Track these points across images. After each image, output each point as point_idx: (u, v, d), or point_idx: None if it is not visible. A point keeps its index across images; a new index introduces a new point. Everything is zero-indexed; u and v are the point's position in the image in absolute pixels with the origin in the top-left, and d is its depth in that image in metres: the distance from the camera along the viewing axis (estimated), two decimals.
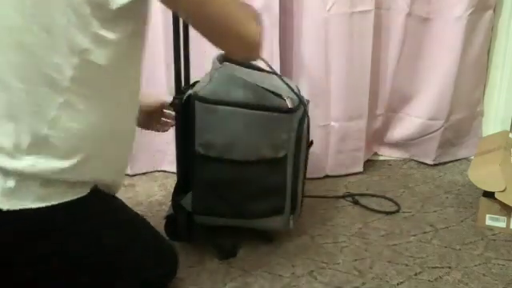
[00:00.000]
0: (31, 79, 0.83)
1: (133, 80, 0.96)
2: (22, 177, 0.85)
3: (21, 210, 0.85)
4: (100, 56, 0.84)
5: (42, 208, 0.86)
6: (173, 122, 1.33)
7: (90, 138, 0.89)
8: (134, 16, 0.88)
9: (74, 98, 0.85)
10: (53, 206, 0.87)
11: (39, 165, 0.85)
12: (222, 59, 1.25)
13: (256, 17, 0.96)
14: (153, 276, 1.03)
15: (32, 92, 0.83)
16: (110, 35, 0.84)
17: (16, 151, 0.85)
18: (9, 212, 0.84)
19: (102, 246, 0.94)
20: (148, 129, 1.35)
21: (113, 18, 0.83)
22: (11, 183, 0.84)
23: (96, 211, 0.94)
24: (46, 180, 0.86)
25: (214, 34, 0.93)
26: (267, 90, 1.18)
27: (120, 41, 0.86)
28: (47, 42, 0.81)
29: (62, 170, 0.86)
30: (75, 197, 0.89)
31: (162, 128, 1.37)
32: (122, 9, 0.82)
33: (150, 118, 1.31)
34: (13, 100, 0.84)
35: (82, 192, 0.91)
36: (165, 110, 1.33)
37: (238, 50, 0.97)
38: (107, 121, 0.91)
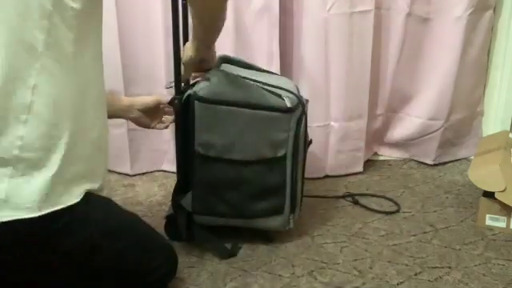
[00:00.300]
0: (10, 45, 0.84)
1: (95, 46, 0.97)
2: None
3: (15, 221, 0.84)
4: (65, 20, 0.86)
5: (35, 218, 0.85)
6: (171, 119, 1.33)
7: (70, 107, 0.89)
8: None
9: (48, 63, 0.86)
10: (48, 215, 0.86)
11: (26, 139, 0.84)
12: (220, 62, 1.25)
13: None
14: (152, 276, 1.03)
15: (12, 58, 0.84)
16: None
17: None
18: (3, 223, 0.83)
19: (100, 252, 0.94)
20: (147, 127, 1.37)
21: None
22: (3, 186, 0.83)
23: (92, 218, 0.93)
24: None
25: None
26: (266, 89, 1.18)
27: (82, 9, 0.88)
28: (21, 8, 0.83)
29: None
30: (70, 203, 0.88)
31: (161, 126, 1.38)
32: None
33: (148, 116, 1.34)
34: None
35: (76, 197, 0.90)
36: (162, 106, 1.35)
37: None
38: (80, 86, 0.91)
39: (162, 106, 1.35)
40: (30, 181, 0.84)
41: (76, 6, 0.86)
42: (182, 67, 1.23)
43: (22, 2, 0.84)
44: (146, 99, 1.35)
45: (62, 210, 0.87)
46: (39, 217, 0.84)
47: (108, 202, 1.00)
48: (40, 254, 0.89)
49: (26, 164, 0.84)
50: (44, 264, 0.91)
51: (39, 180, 0.85)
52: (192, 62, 1.22)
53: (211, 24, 1.14)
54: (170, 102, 1.25)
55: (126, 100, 1.37)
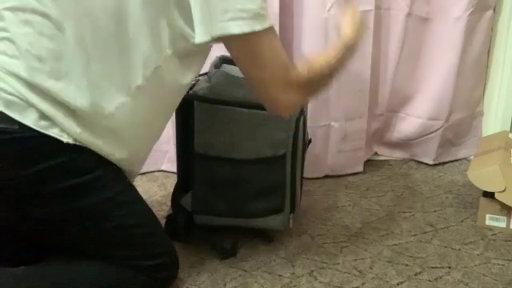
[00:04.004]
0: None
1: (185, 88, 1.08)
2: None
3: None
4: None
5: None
6: None
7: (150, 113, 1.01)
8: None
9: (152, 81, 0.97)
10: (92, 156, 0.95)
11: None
12: (220, 63, 1.25)
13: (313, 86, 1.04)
14: (154, 261, 1.04)
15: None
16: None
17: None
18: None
19: (110, 219, 0.99)
20: None
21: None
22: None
23: (112, 185, 1.00)
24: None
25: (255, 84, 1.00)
26: None
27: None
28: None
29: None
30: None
31: None
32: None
33: None
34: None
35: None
36: None
37: (271, 106, 1.03)
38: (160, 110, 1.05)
39: None
40: None
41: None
42: None
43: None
44: None
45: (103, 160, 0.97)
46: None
47: (126, 178, 1.06)
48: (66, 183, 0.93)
49: None
50: (58, 215, 0.95)
51: None
52: None
53: None
54: None
55: None
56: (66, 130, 0.91)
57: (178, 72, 0.99)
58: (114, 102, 0.94)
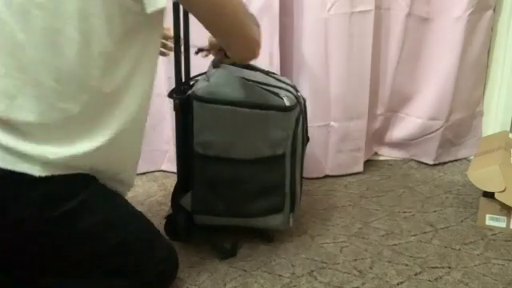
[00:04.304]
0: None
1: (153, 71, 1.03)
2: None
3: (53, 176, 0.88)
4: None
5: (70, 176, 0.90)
6: (170, 44, 1.33)
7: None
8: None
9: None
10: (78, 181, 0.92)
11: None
12: (218, 64, 1.25)
13: (256, 20, 1.09)
14: (153, 270, 1.03)
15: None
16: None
17: None
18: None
19: (104, 240, 0.96)
20: None
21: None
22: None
23: (99, 206, 0.96)
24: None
25: (222, 34, 1.05)
26: (265, 88, 1.19)
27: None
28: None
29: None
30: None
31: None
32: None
33: None
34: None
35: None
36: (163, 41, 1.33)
37: (242, 48, 1.07)
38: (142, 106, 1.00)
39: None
40: None
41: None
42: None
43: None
44: None
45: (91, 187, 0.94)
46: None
47: (114, 193, 1.02)
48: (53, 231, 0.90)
49: None
50: (52, 245, 0.92)
51: None
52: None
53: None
54: (170, 95, 1.25)
55: None
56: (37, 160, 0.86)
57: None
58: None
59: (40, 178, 0.86)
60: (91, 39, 0.86)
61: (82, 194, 0.92)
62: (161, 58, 1.57)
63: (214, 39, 1.23)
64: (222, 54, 1.23)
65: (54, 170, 0.88)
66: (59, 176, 0.88)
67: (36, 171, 0.86)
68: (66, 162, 0.89)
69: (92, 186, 0.95)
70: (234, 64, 1.27)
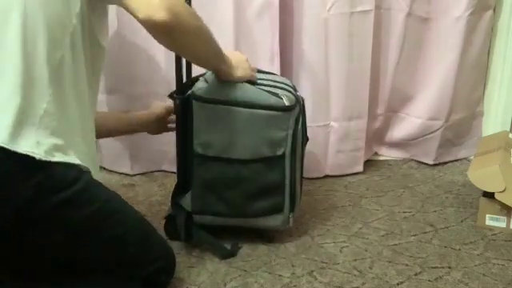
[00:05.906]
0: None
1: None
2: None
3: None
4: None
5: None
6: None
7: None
8: None
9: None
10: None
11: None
12: None
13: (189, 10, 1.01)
14: (150, 267, 1.03)
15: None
16: None
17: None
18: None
19: (99, 233, 0.96)
20: (162, 132, 1.49)
21: None
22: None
23: (96, 196, 0.97)
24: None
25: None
26: (264, 88, 1.18)
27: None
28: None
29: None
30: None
31: (173, 125, 1.41)
32: None
33: (161, 123, 1.47)
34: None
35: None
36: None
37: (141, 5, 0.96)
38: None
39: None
40: None
41: None
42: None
43: None
44: (158, 110, 1.45)
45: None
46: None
47: (109, 189, 1.02)
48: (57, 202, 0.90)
49: None
50: (47, 234, 0.92)
51: None
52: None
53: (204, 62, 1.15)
54: (170, 96, 1.25)
55: (141, 116, 1.47)
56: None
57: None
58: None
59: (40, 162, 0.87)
60: None
61: (78, 183, 0.92)
62: (162, 58, 1.58)
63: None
64: None
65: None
66: (58, 163, 0.89)
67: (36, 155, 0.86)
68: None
69: (87, 178, 0.95)
70: None
